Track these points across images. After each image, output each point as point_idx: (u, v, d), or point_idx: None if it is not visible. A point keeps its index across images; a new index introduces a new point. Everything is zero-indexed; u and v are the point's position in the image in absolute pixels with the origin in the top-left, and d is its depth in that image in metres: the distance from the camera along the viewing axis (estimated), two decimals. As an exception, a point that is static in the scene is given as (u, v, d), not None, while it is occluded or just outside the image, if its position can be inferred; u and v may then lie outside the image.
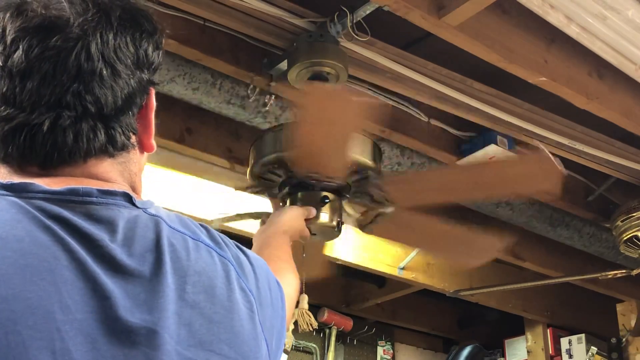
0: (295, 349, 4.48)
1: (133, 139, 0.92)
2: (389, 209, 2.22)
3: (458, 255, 2.44)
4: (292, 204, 2.25)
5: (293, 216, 1.97)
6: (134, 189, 0.91)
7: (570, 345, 4.68)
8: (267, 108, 2.75)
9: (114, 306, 0.76)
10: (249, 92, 2.70)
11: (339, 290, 4.66)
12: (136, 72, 0.92)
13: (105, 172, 0.88)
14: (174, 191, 3.19)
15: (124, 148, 0.90)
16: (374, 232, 2.28)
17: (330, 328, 4.58)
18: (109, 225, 0.81)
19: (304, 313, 2.40)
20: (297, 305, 2.37)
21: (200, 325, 0.81)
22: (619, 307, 4.53)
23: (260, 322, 0.90)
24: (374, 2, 2.22)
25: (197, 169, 3.14)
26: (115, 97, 0.88)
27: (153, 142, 0.95)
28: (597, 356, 4.54)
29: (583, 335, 4.64)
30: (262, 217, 2.31)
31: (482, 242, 2.27)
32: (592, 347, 4.57)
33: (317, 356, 4.57)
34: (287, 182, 2.22)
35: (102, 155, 0.88)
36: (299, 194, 2.23)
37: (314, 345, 4.56)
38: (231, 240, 0.94)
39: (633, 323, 4.38)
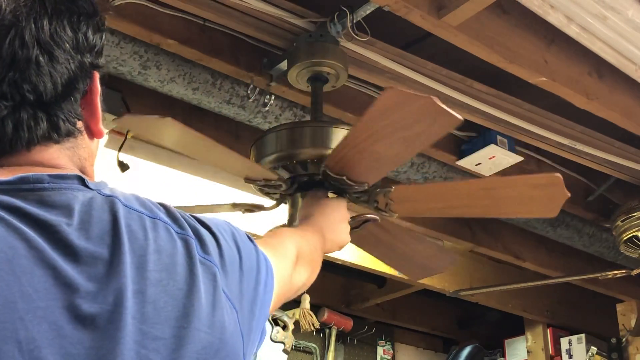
0: (295, 349, 4.48)
1: (79, 124, 0.90)
2: (378, 218, 2.23)
3: (515, 210, 2.38)
4: (292, 203, 2.25)
5: (343, 233, 1.86)
6: (85, 175, 0.90)
7: (570, 345, 4.68)
8: (267, 108, 2.75)
9: (76, 292, 0.75)
10: (249, 92, 2.70)
11: (339, 290, 4.66)
12: (76, 57, 0.89)
13: (53, 159, 0.87)
14: (180, 192, 3.19)
15: (69, 134, 0.89)
16: (396, 211, 2.25)
17: (330, 328, 4.58)
18: (64, 210, 0.80)
19: (306, 313, 2.40)
20: (299, 305, 2.37)
21: (165, 303, 0.81)
22: (619, 307, 4.53)
23: (225, 292, 0.88)
24: (374, 2, 2.22)
25: (197, 169, 3.14)
26: (55, 83, 0.86)
27: (101, 127, 0.94)
28: (597, 356, 4.54)
29: (583, 335, 4.64)
30: (255, 209, 2.31)
31: (537, 187, 2.20)
32: (592, 347, 4.57)
33: (317, 356, 4.57)
34: (288, 182, 2.22)
35: (46, 142, 0.86)
36: (299, 194, 2.23)
37: (314, 345, 4.56)
38: (190, 215, 0.93)
39: (633, 323, 4.38)
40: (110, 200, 0.84)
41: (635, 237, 3.47)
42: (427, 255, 2.49)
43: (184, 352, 0.80)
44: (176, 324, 0.80)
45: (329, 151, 2.13)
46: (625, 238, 3.50)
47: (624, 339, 4.46)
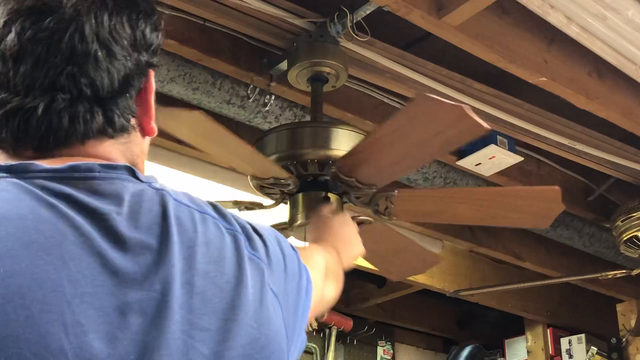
0: (295, 349, 4.48)
1: (132, 121, 0.91)
2: (374, 221, 2.23)
3: (512, 220, 2.40)
4: (292, 204, 2.25)
5: (357, 246, 1.83)
6: None
7: (570, 345, 4.68)
8: (267, 108, 2.76)
9: (124, 279, 0.76)
10: (249, 92, 2.70)
11: (339, 291, 4.66)
12: (133, 54, 0.89)
13: (106, 152, 0.87)
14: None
15: (123, 130, 0.89)
16: (397, 216, 2.26)
17: (330, 328, 4.58)
18: (115, 199, 0.81)
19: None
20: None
21: (213, 294, 0.81)
22: (619, 307, 4.53)
23: (272, 289, 0.89)
24: (374, 2, 2.22)
25: (197, 168, 3.14)
26: (112, 79, 0.86)
27: (154, 125, 0.94)
28: (597, 356, 4.54)
29: (583, 335, 4.64)
30: (255, 207, 2.31)
31: (535, 198, 2.22)
32: (592, 347, 4.57)
33: (317, 356, 4.57)
34: (289, 182, 2.22)
35: (101, 136, 0.87)
36: (300, 195, 2.23)
37: (314, 345, 4.56)
38: (237, 215, 0.94)
39: (633, 323, 4.38)
40: (161, 194, 0.86)
41: (635, 237, 3.47)
42: (409, 255, 2.50)
43: (230, 345, 0.80)
44: (223, 316, 0.81)
45: (332, 151, 2.13)
46: (625, 238, 3.50)
47: (624, 339, 4.46)
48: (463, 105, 1.63)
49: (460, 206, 2.20)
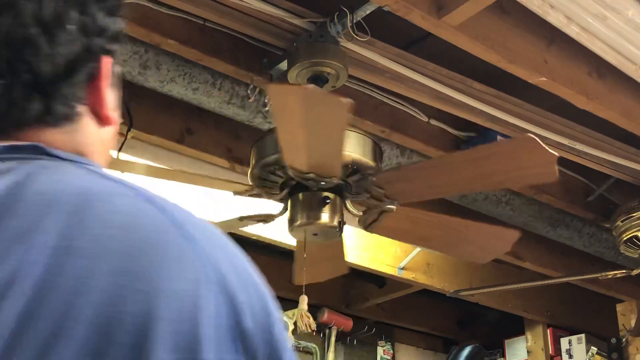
0: (295, 349, 4.48)
1: (80, 109, 0.85)
2: (391, 206, 2.23)
3: (467, 252, 2.44)
4: (293, 204, 2.25)
5: None
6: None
7: (570, 345, 4.68)
8: (267, 108, 2.75)
9: None
10: (249, 92, 2.70)
11: (339, 290, 4.66)
12: (81, 39, 0.85)
13: (46, 141, 0.81)
14: (182, 192, 3.19)
15: (66, 118, 0.84)
16: (377, 231, 2.28)
17: (330, 328, 4.58)
18: None
19: (304, 314, 2.40)
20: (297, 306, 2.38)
21: None
22: (619, 307, 4.53)
23: None
24: (374, 2, 2.22)
25: (197, 168, 3.14)
26: (54, 65, 0.82)
27: (111, 113, 0.88)
28: (597, 356, 4.54)
29: (583, 335, 4.64)
30: (267, 219, 2.32)
31: (492, 236, 2.26)
32: (592, 347, 4.57)
33: (317, 356, 4.57)
34: (288, 183, 2.23)
35: (39, 124, 0.82)
36: (300, 195, 2.23)
37: (314, 345, 4.56)
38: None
39: (633, 323, 4.38)
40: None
41: (635, 237, 3.47)
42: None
43: None
44: None
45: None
46: (625, 238, 3.50)
47: (624, 339, 4.46)
48: (555, 153, 1.68)
49: (433, 231, 2.25)
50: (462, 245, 2.34)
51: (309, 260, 2.50)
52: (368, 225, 2.28)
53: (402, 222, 2.28)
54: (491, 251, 2.34)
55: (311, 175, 2.11)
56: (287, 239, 3.25)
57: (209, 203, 3.27)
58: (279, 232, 3.06)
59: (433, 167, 2.09)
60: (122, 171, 2.64)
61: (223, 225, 2.56)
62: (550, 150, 1.75)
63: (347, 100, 1.73)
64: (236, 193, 2.30)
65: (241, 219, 2.35)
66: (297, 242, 2.29)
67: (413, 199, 2.17)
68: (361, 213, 2.29)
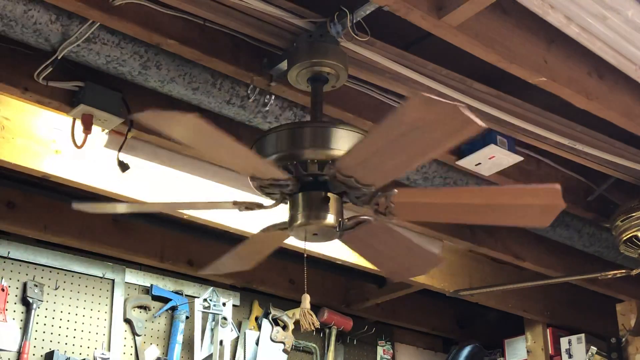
0: (295, 349, 4.48)
1: None
2: (374, 220, 2.23)
3: (512, 218, 2.40)
4: (292, 203, 2.25)
5: None
6: None
7: (570, 345, 4.67)
8: (267, 108, 2.76)
9: None
10: (249, 92, 2.70)
11: (339, 290, 4.66)
12: None
13: None
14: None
15: None
16: (397, 215, 2.26)
17: (330, 328, 4.58)
18: None
19: (306, 313, 2.40)
20: (299, 305, 2.38)
21: None
22: (619, 307, 4.53)
23: None
24: (374, 2, 2.22)
25: (197, 168, 3.14)
26: None
27: None
28: (597, 356, 4.54)
29: (583, 335, 4.64)
30: (255, 207, 2.31)
31: (536, 196, 2.22)
32: (591, 347, 4.57)
33: (317, 356, 4.57)
34: (288, 182, 2.22)
35: None
36: (300, 195, 2.23)
37: (314, 345, 4.56)
38: None
39: (633, 323, 4.38)
40: None
41: (635, 237, 3.47)
42: (411, 256, 2.51)
43: None
44: None
45: (332, 151, 2.13)
46: (625, 238, 3.50)
47: (623, 339, 4.45)
48: (458, 103, 1.63)
49: (460, 206, 2.20)
50: (502, 213, 2.25)
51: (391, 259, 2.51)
52: (383, 212, 2.24)
53: (420, 201, 2.25)
54: (542, 213, 2.23)
55: (269, 180, 2.12)
56: (287, 239, 3.24)
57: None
58: (279, 232, 3.06)
59: (375, 141, 2.03)
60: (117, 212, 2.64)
61: (218, 206, 2.54)
62: (448, 102, 1.68)
63: (191, 115, 1.76)
64: (241, 210, 2.30)
65: (235, 203, 2.33)
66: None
67: (384, 179, 2.15)
68: (368, 205, 2.27)
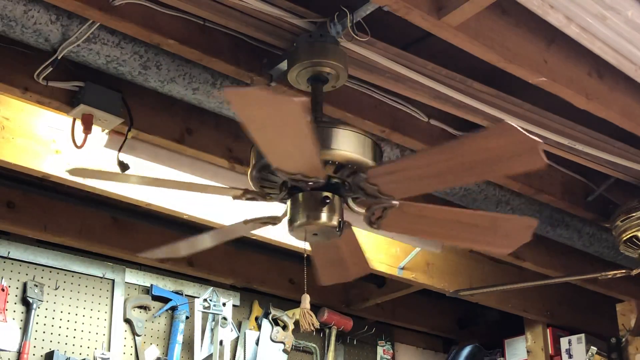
0: (295, 348, 4.48)
1: None
2: (393, 202, 2.23)
3: (482, 243, 2.42)
4: (292, 204, 2.25)
5: None
6: None
7: (570, 345, 4.67)
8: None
9: None
10: (249, 92, 2.70)
11: (339, 290, 4.66)
12: None
13: None
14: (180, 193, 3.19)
15: None
16: (384, 228, 2.27)
17: (330, 328, 4.58)
18: None
19: (306, 313, 2.40)
20: (299, 305, 2.38)
21: None
22: (619, 307, 4.53)
23: None
24: (374, 2, 2.22)
25: (197, 169, 3.14)
26: None
27: None
28: (597, 356, 4.54)
29: (583, 335, 4.64)
30: (273, 222, 2.31)
31: (509, 226, 2.25)
32: (591, 347, 4.57)
33: (317, 356, 4.57)
34: (288, 183, 2.23)
35: None
36: (300, 195, 2.23)
37: (314, 345, 4.56)
38: None
39: (633, 323, 4.38)
40: None
41: (635, 237, 3.47)
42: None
43: None
44: None
45: (332, 151, 2.13)
46: (625, 238, 3.50)
47: (623, 339, 4.45)
48: (538, 139, 1.68)
49: (442, 225, 2.24)
50: (476, 237, 2.31)
51: (328, 261, 2.51)
52: (373, 222, 2.26)
53: (408, 217, 2.26)
54: (509, 242, 2.30)
55: (298, 176, 2.11)
56: (287, 239, 3.25)
57: (215, 204, 3.27)
58: (279, 232, 3.06)
59: (418, 159, 2.06)
60: (118, 181, 2.64)
61: (229, 229, 2.56)
62: (531, 136, 1.75)
63: (301, 99, 1.73)
64: (235, 198, 2.30)
65: (246, 222, 2.34)
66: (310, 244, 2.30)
67: (406, 194, 2.16)
68: (364, 211, 2.28)
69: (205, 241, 2.56)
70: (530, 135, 1.69)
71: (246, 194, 2.30)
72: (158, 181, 2.50)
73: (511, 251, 2.29)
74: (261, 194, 2.28)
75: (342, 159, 2.18)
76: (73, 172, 2.36)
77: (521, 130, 1.71)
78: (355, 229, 2.41)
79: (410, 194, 2.16)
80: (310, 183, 2.16)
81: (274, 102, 1.76)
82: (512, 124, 1.73)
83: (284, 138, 1.91)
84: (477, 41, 2.39)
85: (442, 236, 2.47)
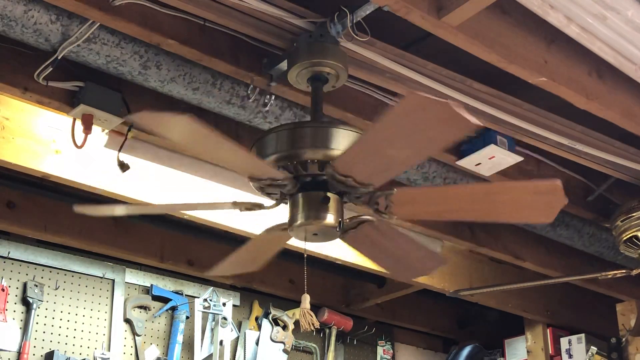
0: (295, 349, 4.48)
1: None
2: (376, 220, 2.24)
3: (513, 215, 2.40)
4: (292, 204, 2.25)
5: None
6: None
7: (570, 345, 4.67)
8: (267, 108, 2.75)
9: None
10: (249, 92, 2.70)
11: (339, 290, 4.66)
12: None
13: None
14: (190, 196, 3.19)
15: None
16: (396, 214, 2.26)
17: (330, 328, 4.58)
18: None
19: (306, 313, 2.40)
20: (299, 305, 2.38)
21: None
22: (619, 307, 4.53)
23: None
24: (374, 2, 2.22)
25: (197, 169, 3.14)
26: None
27: None
28: (597, 356, 4.54)
29: (583, 335, 4.64)
30: (255, 208, 2.31)
31: (537, 192, 2.21)
32: (592, 347, 4.57)
33: (317, 356, 4.57)
34: (292, 182, 2.22)
35: None
36: (300, 195, 2.23)
37: (314, 345, 4.56)
38: None
39: (633, 323, 4.38)
40: None
41: (635, 237, 3.47)
42: (416, 257, 2.51)
43: None
44: None
45: (332, 151, 2.13)
46: (625, 238, 3.50)
47: (623, 339, 4.45)
48: (451, 101, 1.64)
49: (460, 203, 2.21)
50: (502, 209, 2.25)
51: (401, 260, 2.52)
52: (383, 211, 2.25)
53: (420, 200, 2.25)
54: (545, 209, 2.22)
55: (267, 180, 2.13)
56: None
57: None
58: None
59: (369, 141, 2.03)
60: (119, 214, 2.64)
61: (218, 206, 2.55)
62: (439, 99, 1.70)
63: (182, 116, 1.77)
64: (241, 210, 2.30)
65: (234, 203, 2.33)
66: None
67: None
68: (367, 205, 2.27)
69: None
70: (440, 99, 1.66)
71: (252, 207, 2.30)
72: (164, 207, 2.50)
73: (552, 219, 2.19)
74: (262, 193, 2.28)
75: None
76: (79, 209, 2.41)
77: (430, 97, 1.67)
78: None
79: (385, 178, 2.14)
80: (287, 185, 2.17)
81: (169, 123, 1.79)
82: (421, 93, 1.69)
83: (213, 151, 1.94)
84: (477, 41, 2.39)
85: (462, 214, 2.39)
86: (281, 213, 2.33)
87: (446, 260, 2.53)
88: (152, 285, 4.04)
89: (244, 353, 4.26)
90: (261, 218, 2.48)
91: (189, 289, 4.17)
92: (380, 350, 4.90)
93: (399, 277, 2.98)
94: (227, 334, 4.16)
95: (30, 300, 3.62)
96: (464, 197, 2.20)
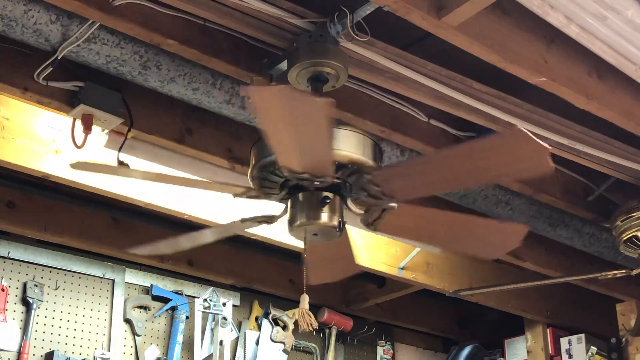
0: (295, 349, 4.48)
1: None
2: (392, 204, 2.23)
3: (474, 248, 2.44)
4: (292, 204, 2.25)
5: None
6: None
7: (570, 345, 4.68)
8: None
9: None
10: (249, 92, 2.70)
11: (339, 290, 4.66)
12: None
13: None
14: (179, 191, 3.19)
15: None
16: (380, 229, 2.28)
17: (330, 328, 4.58)
18: None
19: (305, 313, 2.40)
20: (298, 305, 2.38)
21: None
22: (619, 307, 4.53)
23: None
24: (374, 2, 2.22)
25: (197, 169, 3.14)
26: None
27: None
28: (597, 356, 4.54)
29: (583, 335, 4.64)
30: (269, 221, 2.32)
31: (500, 232, 2.26)
32: (592, 347, 4.57)
33: (317, 356, 4.57)
34: (288, 183, 2.23)
35: None
36: (300, 195, 2.23)
37: (314, 345, 4.56)
38: None
39: (633, 323, 4.38)
40: None
41: (635, 237, 3.47)
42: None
43: None
44: None
45: (333, 152, 2.13)
46: (625, 238, 3.50)
47: (623, 339, 4.45)
48: (547, 146, 1.69)
49: (438, 228, 2.25)
50: (469, 242, 2.33)
51: (319, 260, 2.51)
52: (370, 224, 2.27)
53: (405, 220, 2.27)
54: (499, 247, 2.33)
55: (305, 175, 2.11)
56: (287, 239, 3.25)
57: (213, 203, 3.27)
58: (279, 232, 3.06)
59: (427, 163, 2.08)
60: (121, 176, 2.64)
61: (225, 227, 2.56)
62: (541, 143, 1.76)
63: (327, 100, 1.73)
64: (236, 195, 2.30)
65: (243, 221, 2.34)
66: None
67: (410, 196, 2.17)
68: (363, 212, 2.28)
69: (200, 238, 2.57)
70: (541, 142, 1.70)
71: (247, 192, 2.30)
72: (160, 176, 2.50)
73: (498, 257, 2.34)
74: (262, 193, 2.28)
75: (343, 159, 2.18)
76: (75, 166, 2.35)
77: (532, 136, 1.72)
78: (355, 229, 2.42)
79: (413, 197, 2.16)
80: (316, 183, 2.17)
81: (299, 102, 1.77)
82: (524, 129, 1.74)
83: (301, 137, 1.91)
84: (477, 41, 2.39)
85: (436, 240, 2.50)
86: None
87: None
88: (152, 285, 4.05)
89: (244, 353, 4.26)
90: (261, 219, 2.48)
91: (189, 289, 4.17)
92: (380, 350, 4.90)
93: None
94: (227, 334, 4.16)
95: (30, 300, 3.62)
96: (442, 224, 2.24)
